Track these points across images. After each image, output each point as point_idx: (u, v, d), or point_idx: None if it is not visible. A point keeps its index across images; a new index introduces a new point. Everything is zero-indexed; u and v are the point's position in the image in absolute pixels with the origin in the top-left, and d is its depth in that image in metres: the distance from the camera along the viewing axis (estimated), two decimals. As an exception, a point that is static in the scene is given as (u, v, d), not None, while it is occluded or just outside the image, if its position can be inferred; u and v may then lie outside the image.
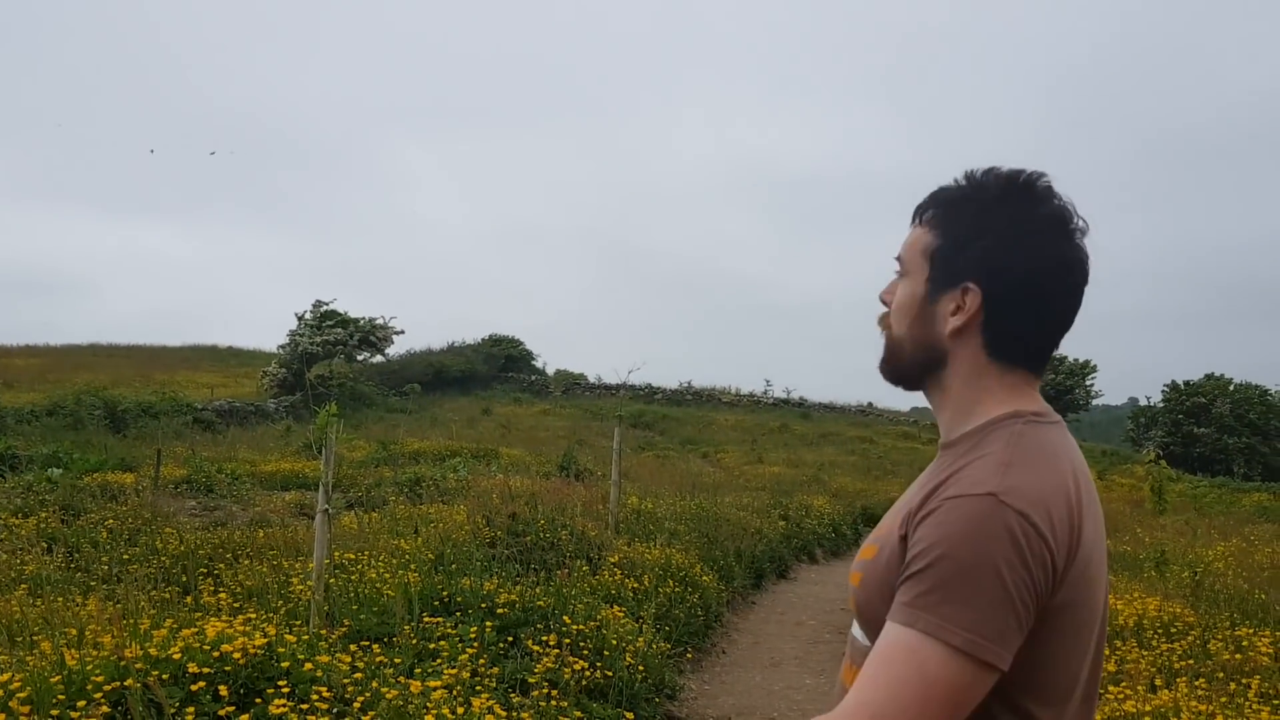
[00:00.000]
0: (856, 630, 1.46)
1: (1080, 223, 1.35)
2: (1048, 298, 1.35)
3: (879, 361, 1.50)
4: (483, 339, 45.54)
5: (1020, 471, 1.26)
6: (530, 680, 4.78)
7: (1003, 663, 1.20)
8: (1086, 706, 1.35)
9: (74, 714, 3.32)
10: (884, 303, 1.49)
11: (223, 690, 3.70)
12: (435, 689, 4.03)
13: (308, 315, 34.95)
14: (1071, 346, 45.49)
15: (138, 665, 3.65)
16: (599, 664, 5.29)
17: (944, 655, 1.18)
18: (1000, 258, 1.34)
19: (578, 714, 4.61)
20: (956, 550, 1.21)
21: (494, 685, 4.71)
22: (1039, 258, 1.33)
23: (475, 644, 5.08)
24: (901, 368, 1.46)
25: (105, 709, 3.40)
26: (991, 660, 1.19)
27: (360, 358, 36.49)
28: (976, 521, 1.21)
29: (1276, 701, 4.79)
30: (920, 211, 1.44)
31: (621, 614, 6.30)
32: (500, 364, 44.27)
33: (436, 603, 5.86)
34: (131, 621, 4.36)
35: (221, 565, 7.28)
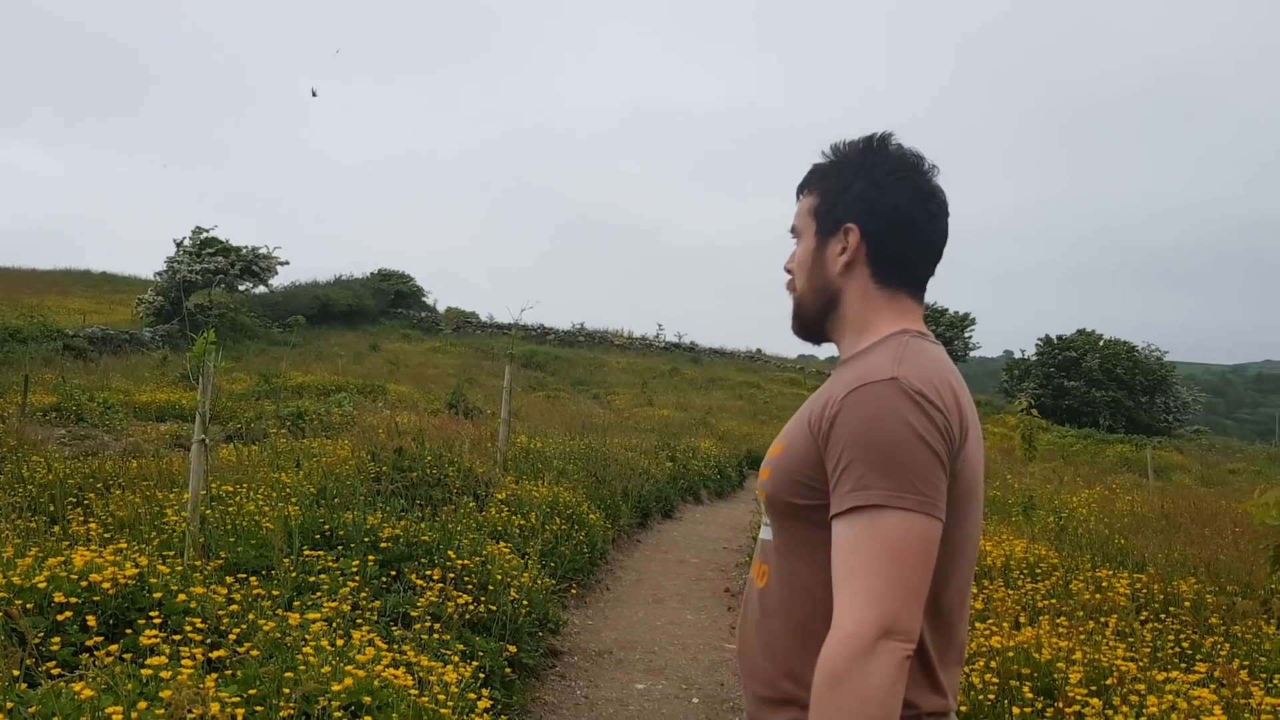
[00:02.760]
0: (765, 532, 1.65)
1: (929, 164, 1.64)
2: (915, 224, 1.62)
3: (790, 321, 1.74)
4: (371, 273, 44.55)
5: (909, 364, 1.48)
6: (413, 614, 4.74)
7: (942, 513, 1.41)
8: (966, 565, 1.56)
9: (-72, 644, 3.18)
10: (788, 271, 1.74)
11: (91, 621, 3.58)
12: (314, 621, 3.96)
13: (187, 242, 33.68)
14: (952, 300, 46.72)
15: (0, 594, 3.51)
16: (483, 598, 5.28)
17: (900, 519, 1.37)
18: (870, 198, 1.61)
19: (460, 647, 4.60)
20: (875, 431, 1.41)
21: (375, 618, 4.66)
22: (901, 193, 1.61)
23: (357, 577, 5.01)
24: (807, 317, 1.70)
25: (-37, 639, 3.26)
26: (935, 513, 1.39)
27: (242, 288, 35.33)
28: (884, 401, 1.42)
29: (1131, 639, 5.05)
30: (802, 186, 1.72)
31: (507, 550, 6.29)
32: (389, 299, 43.43)
33: (318, 536, 5.77)
34: (-7, 550, 4.19)
35: (92, 495, 7.03)
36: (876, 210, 1.60)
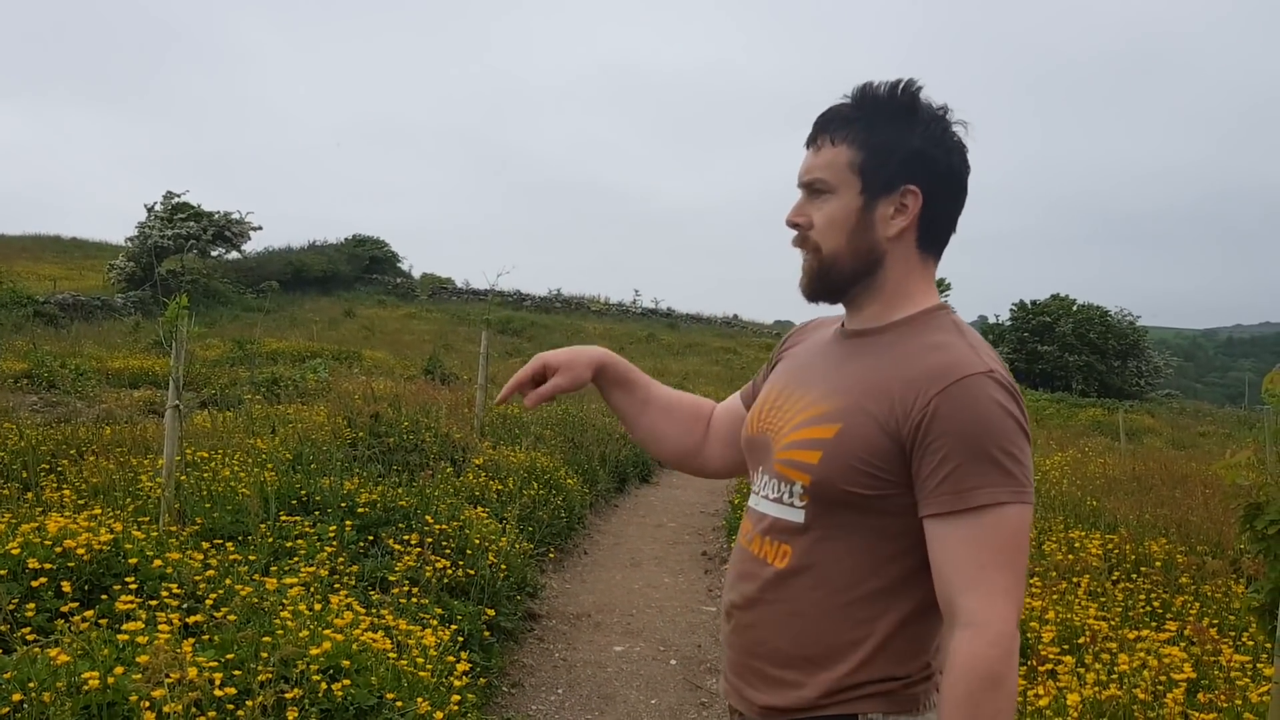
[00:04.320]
0: (775, 508, 1.58)
1: (959, 117, 1.55)
2: (962, 185, 1.56)
3: (803, 282, 1.60)
4: (346, 238, 44.12)
5: (988, 355, 1.48)
6: (391, 578, 4.74)
7: None
8: None
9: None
10: (795, 226, 1.58)
11: (66, 587, 3.56)
12: (292, 586, 3.96)
13: (158, 207, 33.24)
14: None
15: (-28, 561, 3.48)
16: (461, 563, 5.28)
17: (1019, 513, 1.40)
18: (929, 157, 1.51)
19: (439, 611, 4.61)
20: (990, 427, 1.40)
21: (353, 583, 4.66)
22: (953, 151, 1.53)
23: (334, 543, 5.01)
24: (838, 281, 1.57)
25: (-64, 605, 3.24)
26: (1033, 499, 1.44)
27: (215, 253, 34.95)
28: (989, 396, 1.42)
29: (1103, 599, 5.12)
30: (823, 134, 1.55)
31: (485, 515, 6.29)
32: (364, 265, 43.06)
33: (294, 502, 5.75)
34: (-35, 517, 4.15)
35: (65, 462, 6.96)
36: (934, 171, 1.51)
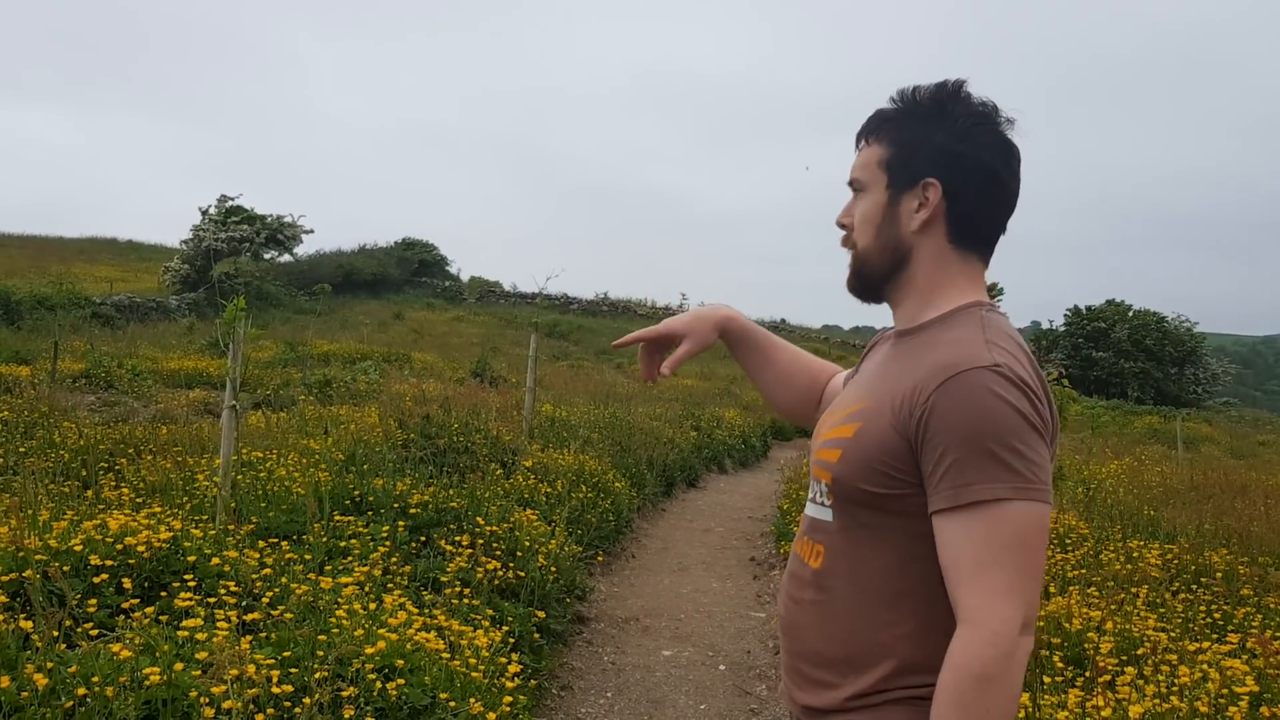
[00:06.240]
0: (813, 508, 1.62)
1: (1005, 114, 1.54)
2: (996, 181, 1.53)
3: (847, 279, 1.63)
4: (395, 242, 44.67)
5: (1001, 350, 1.42)
6: (443, 579, 4.77)
7: (1052, 496, 1.40)
8: None
9: (-31, 604, 3.22)
10: (842, 226, 1.63)
11: (126, 583, 3.62)
12: (346, 585, 3.99)
13: (212, 210, 33.86)
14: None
15: (38, 556, 3.54)
16: (511, 565, 5.30)
17: (1024, 510, 1.35)
18: (953, 151, 1.51)
19: (490, 612, 4.63)
20: (987, 421, 1.36)
21: (406, 583, 4.69)
22: (984, 146, 1.52)
23: (387, 543, 5.04)
24: (870, 276, 1.60)
25: (3, 599, 3.30)
26: (1049, 498, 1.38)
27: (267, 256, 35.51)
28: (989, 389, 1.37)
29: (1162, 609, 5.02)
30: (865, 134, 1.60)
31: (535, 517, 6.31)
32: (413, 268, 43.53)
33: (348, 502, 5.80)
34: (30, 513, 4.23)
35: (123, 460, 7.09)
36: (959, 165, 1.51)
